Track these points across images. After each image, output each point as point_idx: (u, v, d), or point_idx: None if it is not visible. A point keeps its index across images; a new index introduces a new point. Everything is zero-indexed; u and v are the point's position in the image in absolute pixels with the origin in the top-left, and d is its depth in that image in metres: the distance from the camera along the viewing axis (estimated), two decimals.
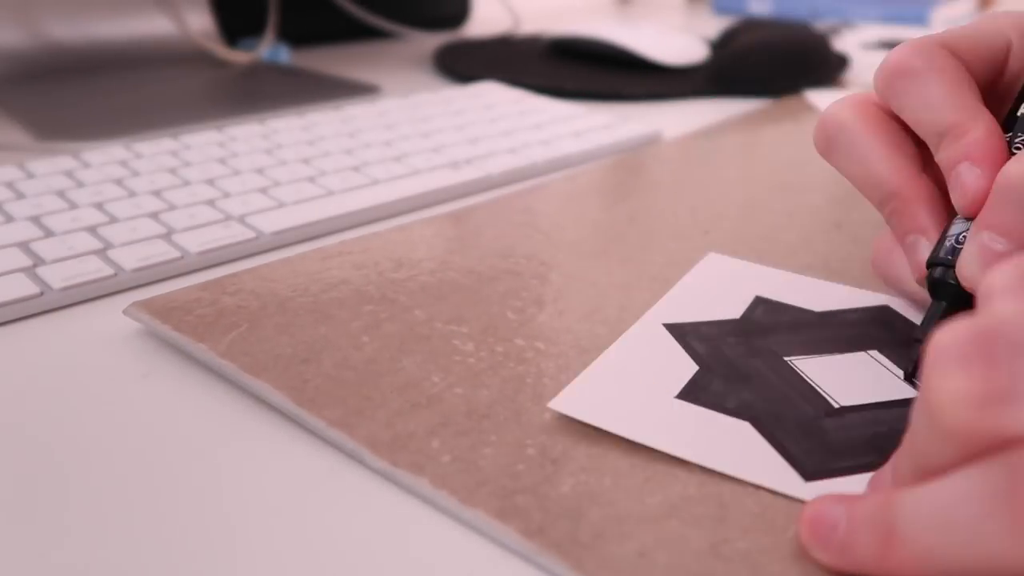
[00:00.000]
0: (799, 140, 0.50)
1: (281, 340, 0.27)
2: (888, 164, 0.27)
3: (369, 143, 0.46)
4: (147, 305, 0.29)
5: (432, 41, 0.79)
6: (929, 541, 0.17)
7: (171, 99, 0.56)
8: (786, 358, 0.26)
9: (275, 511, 0.21)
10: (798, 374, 0.26)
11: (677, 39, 0.70)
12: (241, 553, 0.20)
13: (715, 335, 0.28)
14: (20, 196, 0.38)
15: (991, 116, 0.26)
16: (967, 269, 0.24)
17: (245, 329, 0.27)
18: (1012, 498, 0.16)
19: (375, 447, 0.22)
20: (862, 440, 0.23)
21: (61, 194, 0.38)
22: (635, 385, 0.25)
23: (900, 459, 0.19)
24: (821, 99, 0.60)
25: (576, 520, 0.20)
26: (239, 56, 0.66)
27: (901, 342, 0.27)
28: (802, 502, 0.21)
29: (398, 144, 0.46)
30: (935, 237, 0.26)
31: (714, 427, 0.23)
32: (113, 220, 0.36)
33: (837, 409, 0.24)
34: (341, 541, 0.20)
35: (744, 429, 0.23)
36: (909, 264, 0.27)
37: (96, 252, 0.33)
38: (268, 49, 0.68)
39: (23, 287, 0.30)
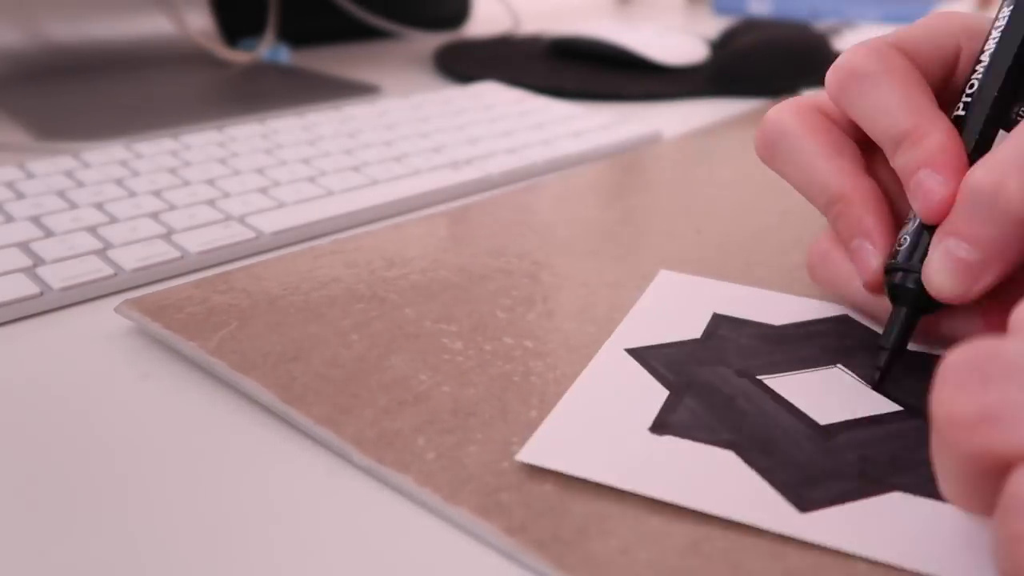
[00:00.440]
0: None
1: (271, 338, 0.27)
2: (831, 167, 0.27)
3: (369, 143, 0.47)
4: (138, 303, 0.29)
5: (432, 41, 0.80)
6: None
7: (171, 99, 0.57)
8: (758, 377, 0.26)
9: (265, 509, 0.21)
10: (774, 394, 0.25)
11: (677, 39, 0.70)
12: (236, 548, 0.20)
13: (679, 357, 0.27)
14: (20, 196, 0.38)
15: (948, 120, 0.25)
16: (936, 277, 0.24)
17: (235, 327, 0.28)
18: (1003, 523, 0.16)
19: (361, 445, 0.22)
20: (852, 463, 0.22)
21: (61, 194, 0.39)
22: (606, 420, 0.23)
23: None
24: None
25: (559, 517, 0.20)
26: (239, 56, 0.66)
27: (866, 352, 0.27)
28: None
29: (398, 144, 0.47)
30: (880, 241, 0.26)
31: (696, 460, 0.22)
32: (113, 220, 0.36)
33: (822, 429, 0.23)
34: (329, 539, 0.20)
35: (729, 460, 0.22)
36: (857, 268, 0.27)
37: (96, 252, 0.33)
38: (268, 49, 0.68)
39: (23, 287, 0.31)
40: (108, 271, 0.32)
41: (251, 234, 0.36)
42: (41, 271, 0.32)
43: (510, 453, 0.22)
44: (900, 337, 0.25)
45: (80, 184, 0.40)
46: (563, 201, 0.39)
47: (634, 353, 0.27)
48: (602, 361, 0.26)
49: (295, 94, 0.58)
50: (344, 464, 0.23)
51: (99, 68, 0.63)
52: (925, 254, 0.24)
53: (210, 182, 0.41)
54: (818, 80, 0.63)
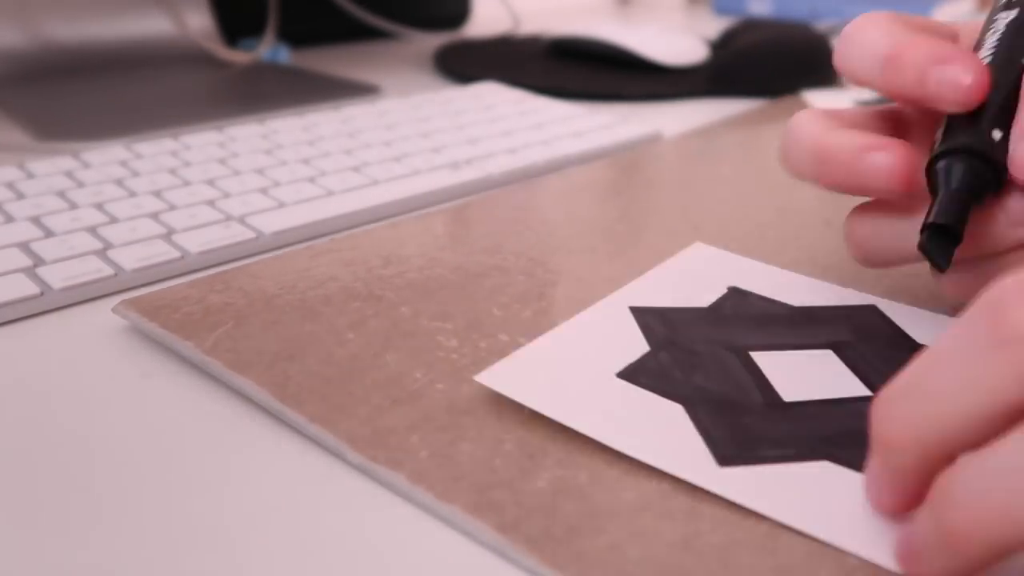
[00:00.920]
0: None
1: (267, 337, 0.27)
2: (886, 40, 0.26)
3: (369, 143, 0.47)
4: (135, 303, 0.29)
5: (432, 41, 0.80)
6: (986, 504, 0.16)
7: (171, 99, 0.57)
8: (750, 352, 0.26)
9: (259, 507, 0.21)
10: (753, 367, 0.25)
11: (677, 39, 0.70)
12: (230, 546, 0.20)
13: (678, 321, 0.27)
14: (20, 196, 0.39)
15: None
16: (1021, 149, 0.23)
17: (231, 326, 0.28)
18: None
19: (355, 443, 0.23)
20: (794, 433, 0.23)
21: (61, 194, 0.39)
22: (577, 362, 0.24)
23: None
24: (819, 99, 0.60)
25: (551, 515, 0.20)
26: (239, 56, 0.66)
27: (873, 342, 0.27)
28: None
29: (398, 144, 0.47)
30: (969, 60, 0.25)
31: (646, 409, 0.23)
32: (113, 220, 0.36)
33: (783, 404, 0.24)
34: (323, 537, 0.21)
35: (675, 413, 0.23)
36: (944, 91, 0.24)
37: (96, 252, 0.34)
38: (268, 49, 0.68)
39: (23, 287, 0.31)
40: (108, 271, 0.32)
41: (251, 234, 0.36)
42: (41, 271, 0.32)
43: (503, 451, 0.22)
44: (961, 197, 0.24)
45: (80, 184, 0.40)
46: (561, 199, 0.40)
47: (635, 311, 0.27)
48: (599, 310, 0.27)
49: (295, 94, 0.59)
50: (338, 462, 0.23)
51: (99, 68, 0.63)
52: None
53: (210, 182, 0.41)
54: (818, 81, 0.64)
